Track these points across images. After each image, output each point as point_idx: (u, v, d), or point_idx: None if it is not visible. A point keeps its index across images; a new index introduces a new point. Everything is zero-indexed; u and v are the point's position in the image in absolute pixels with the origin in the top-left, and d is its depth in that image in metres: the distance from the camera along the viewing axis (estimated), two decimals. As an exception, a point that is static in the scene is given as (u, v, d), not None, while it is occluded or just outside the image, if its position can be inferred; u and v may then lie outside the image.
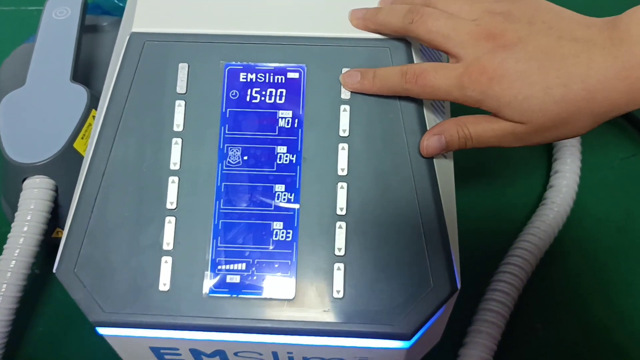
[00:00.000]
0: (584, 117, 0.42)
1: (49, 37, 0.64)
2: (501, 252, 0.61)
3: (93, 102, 0.60)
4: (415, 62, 0.47)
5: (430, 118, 0.46)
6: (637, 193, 0.67)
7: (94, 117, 0.59)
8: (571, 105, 0.41)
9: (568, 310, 0.60)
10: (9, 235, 0.55)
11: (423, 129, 0.45)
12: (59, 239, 0.57)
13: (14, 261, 0.54)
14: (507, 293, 0.56)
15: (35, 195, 0.56)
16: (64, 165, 0.57)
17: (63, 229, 0.58)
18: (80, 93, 0.60)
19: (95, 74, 0.67)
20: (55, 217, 0.58)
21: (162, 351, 0.48)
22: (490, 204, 0.66)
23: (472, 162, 0.68)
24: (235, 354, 0.47)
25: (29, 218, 0.55)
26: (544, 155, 0.69)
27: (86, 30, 0.67)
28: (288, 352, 0.47)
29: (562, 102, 0.41)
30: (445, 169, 0.47)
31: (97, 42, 0.71)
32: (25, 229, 0.55)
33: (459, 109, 0.66)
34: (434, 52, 0.50)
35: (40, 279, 0.62)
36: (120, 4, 0.75)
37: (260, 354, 0.47)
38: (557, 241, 0.63)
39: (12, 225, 0.56)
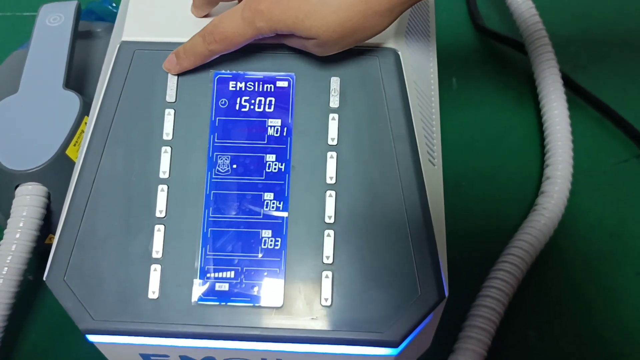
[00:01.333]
0: (370, 18, 0.42)
1: (42, 44, 0.64)
2: (492, 258, 0.61)
3: (86, 109, 0.60)
4: (404, 69, 0.47)
5: (419, 126, 0.46)
6: (630, 198, 0.67)
7: (86, 124, 0.60)
8: (351, 12, 0.42)
9: (561, 317, 0.60)
10: (1, 242, 0.55)
11: (412, 136, 0.45)
12: (52, 245, 0.57)
13: (5, 268, 0.54)
14: (497, 299, 0.56)
15: (27, 202, 0.56)
16: (56, 172, 0.57)
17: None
18: (73, 100, 0.60)
19: (88, 80, 0.68)
20: (47, 224, 0.58)
21: (152, 358, 0.48)
22: (481, 210, 0.66)
23: (464, 167, 0.68)
24: (225, 360, 0.48)
25: (21, 225, 0.56)
26: (536, 161, 0.69)
27: (80, 36, 0.67)
28: (277, 359, 0.47)
29: (341, 10, 0.42)
30: (433, 177, 0.47)
31: (91, 48, 0.71)
32: (18, 235, 0.55)
33: (449, 106, 0.66)
34: (422, 53, 0.50)
35: (33, 285, 0.62)
36: (114, 10, 0.75)
37: (250, 361, 0.47)
38: (549, 247, 0.63)
39: (5, 232, 0.56)
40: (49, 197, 0.58)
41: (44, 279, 0.45)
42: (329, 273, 0.44)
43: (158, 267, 0.44)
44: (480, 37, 0.79)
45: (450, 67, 0.76)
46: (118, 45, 0.48)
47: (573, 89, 0.73)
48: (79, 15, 0.67)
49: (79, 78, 0.67)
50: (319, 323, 0.43)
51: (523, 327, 0.59)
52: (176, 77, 0.47)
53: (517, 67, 0.76)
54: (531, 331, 0.59)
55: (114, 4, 0.76)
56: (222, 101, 0.46)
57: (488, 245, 0.63)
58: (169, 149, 0.46)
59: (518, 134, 0.72)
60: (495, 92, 0.75)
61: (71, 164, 0.58)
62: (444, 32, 0.69)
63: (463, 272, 0.56)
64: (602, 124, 0.72)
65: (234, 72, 0.47)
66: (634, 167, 0.69)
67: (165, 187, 0.45)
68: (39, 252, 0.57)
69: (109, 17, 0.76)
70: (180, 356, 0.47)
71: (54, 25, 0.66)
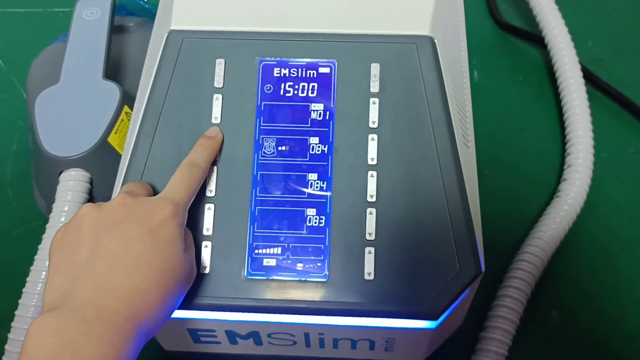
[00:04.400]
0: None
1: (81, 37, 0.66)
2: (518, 243, 0.63)
3: (125, 99, 0.62)
4: (440, 56, 0.49)
5: (454, 110, 0.49)
6: (649, 186, 0.69)
7: (126, 113, 0.62)
8: None
9: (582, 299, 0.63)
10: (47, 225, 0.58)
11: (448, 120, 0.47)
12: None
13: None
14: (525, 281, 0.59)
15: (71, 187, 0.59)
16: (98, 159, 0.60)
17: (96, 220, 0.61)
18: (113, 90, 0.62)
19: (122, 72, 0.70)
20: (89, 209, 0.60)
21: (198, 333, 0.50)
22: (504, 197, 0.69)
23: (487, 156, 0.70)
24: (269, 335, 0.50)
25: (66, 209, 0.58)
26: (556, 151, 0.71)
27: (113, 30, 0.69)
28: (319, 333, 0.49)
29: None
30: (468, 159, 0.49)
31: (123, 42, 0.73)
32: (63, 219, 0.57)
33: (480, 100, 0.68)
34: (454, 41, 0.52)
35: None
36: (146, 6, 0.78)
37: (293, 335, 0.50)
38: (571, 232, 0.65)
39: (50, 215, 0.58)
40: (91, 182, 0.60)
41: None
42: (372, 249, 0.46)
43: (209, 243, 0.46)
44: (500, 32, 0.82)
45: (471, 60, 0.78)
46: (166, 34, 0.50)
47: (592, 81, 0.75)
48: (115, 9, 0.69)
49: (113, 70, 0.69)
50: (363, 296, 0.45)
51: (546, 307, 0.62)
52: (223, 64, 0.49)
53: (536, 61, 0.79)
54: (554, 311, 0.62)
55: None
56: (267, 87, 0.49)
57: (512, 230, 0.66)
58: (217, 131, 0.48)
59: (538, 125, 0.74)
60: (515, 84, 0.77)
61: (112, 150, 0.60)
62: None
63: (489, 256, 0.58)
64: (620, 115, 0.74)
65: (279, 58, 0.49)
66: (652, 156, 0.71)
67: (214, 167, 0.47)
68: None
69: (140, 13, 0.78)
70: (226, 331, 0.50)
71: (91, 19, 0.68)
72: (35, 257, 0.57)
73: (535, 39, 0.78)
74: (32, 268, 0.56)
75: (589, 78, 0.74)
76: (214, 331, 0.50)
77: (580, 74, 0.72)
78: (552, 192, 0.68)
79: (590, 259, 0.65)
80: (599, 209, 0.68)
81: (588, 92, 0.72)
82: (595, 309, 0.62)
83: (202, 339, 0.51)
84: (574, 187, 0.65)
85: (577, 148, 0.68)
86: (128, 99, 0.62)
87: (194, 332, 0.50)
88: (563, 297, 0.62)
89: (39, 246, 0.57)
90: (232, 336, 0.50)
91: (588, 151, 0.68)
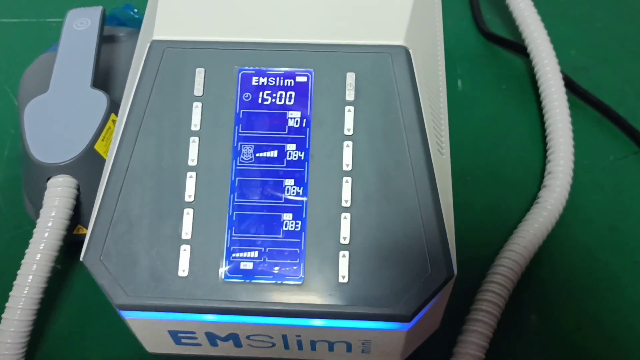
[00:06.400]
0: None
1: (70, 47, 0.68)
2: (497, 248, 0.64)
3: (112, 107, 0.64)
4: (415, 65, 0.50)
5: (428, 118, 0.50)
6: (629, 193, 0.70)
7: (113, 121, 0.63)
8: None
9: (561, 303, 0.63)
10: (34, 230, 0.59)
11: (422, 127, 0.49)
12: (80, 236, 0.61)
13: (39, 254, 0.57)
14: (503, 285, 0.60)
15: (59, 193, 0.60)
16: (85, 166, 0.61)
17: (84, 226, 0.62)
18: (101, 98, 0.64)
19: (112, 81, 0.71)
20: (76, 215, 0.62)
21: (179, 335, 0.51)
22: (486, 203, 0.70)
23: (469, 163, 0.72)
24: (248, 337, 0.51)
25: (53, 214, 0.59)
26: (538, 158, 0.73)
27: (103, 40, 0.71)
28: (297, 335, 0.50)
29: None
30: (442, 165, 0.50)
31: (114, 52, 0.74)
32: (50, 224, 0.58)
33: (457, 104, 0.69)
34: (431, 51, 0.53)
35: (58, 275, 0.65)
36: (136, 16, 0.79)
37: (271, 337, 0.51)
38: (552, 237, 0.66)
39: (37, 221, 0.59)
40: (78, 188, 0.61)
41: (81, 259, 0.48)
42: (346, 253, 0.47)
43: (187, 247, 0.47)
44: (484, 42, 0.83)
45: (455, 69, 0.80)
46: (149, 44, 0.51)
47: (573, 89, 0.76)
48: (104, 19, 0.71)
49: (103, 79, 0.70)
50: (336, 299, 0.46)
51: (525, 311, 0.63)
52: (203, 72, 0.50)
53: (520, 70, 0.80)
54: (533, 315, 0.63)
55: (135, 10, 0.80)
56: (246, 95, 0.50)
57: (492, 236, 0.67)
58: (196, 138, 0.49)
59: (521, 133, 0.75)
60: (498, 93, 0.78)
61: (99, 157, 0.62)
62: (449, 37, 0.73)
63: (468, 261, 0.60)
64: (602, 123, 0.75)
65: (257, 68, 0.50)
66: (632, 163, 0.72)
67: (193, 173, 0.49)
68: (67, 242, 0.60)
69: (131, 23, 0.79)
70: (206, 333, 0.51)
71: (80, 29, 0.69)
72: (22, 261, 0.58)
73: (519, 48, 0.80)
74: (19, 272, 0.57)
75: (571, 86, 0.76)
76: (194, 333, 0.51)
77: (562, 82, 0.73)
78: (533, 199, 0.69)
79: (570, 264, 0.66)
80: (580, 215, 0.69)
81: (570, 100, 0.73)
82: (574, 312, 0.63)
83: (184, 340, 0.53)
84: (553, 194, 0.67)
85: (557, 155, 0.69)
86: (116, 108, 0.63)
87: (175, 333, 0.51)
88: (542, 301, 0.63)
89: (26, 250, 0.58)
90: (212, 338, 0.52)
91: (568, 158, 0.69)
